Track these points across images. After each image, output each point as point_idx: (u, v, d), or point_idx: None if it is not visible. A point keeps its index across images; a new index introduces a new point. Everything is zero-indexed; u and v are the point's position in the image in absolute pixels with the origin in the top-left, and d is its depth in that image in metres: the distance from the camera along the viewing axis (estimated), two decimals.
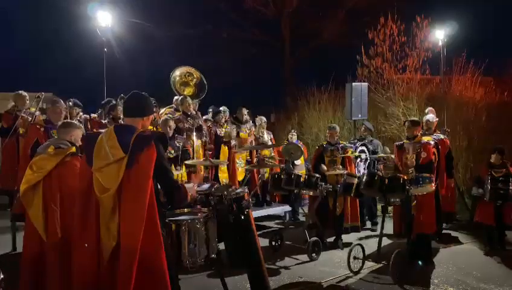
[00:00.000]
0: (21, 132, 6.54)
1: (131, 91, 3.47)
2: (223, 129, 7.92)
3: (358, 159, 7.64)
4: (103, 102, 8.02)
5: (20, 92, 6.95)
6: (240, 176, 7.84)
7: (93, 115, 7.87)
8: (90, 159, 3.13)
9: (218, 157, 7.60)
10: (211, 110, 8.58)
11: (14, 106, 6.95)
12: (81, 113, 7.30)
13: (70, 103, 6.91)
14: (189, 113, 7.27)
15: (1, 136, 7.08)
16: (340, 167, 6.55)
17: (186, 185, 3.43)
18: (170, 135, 6.28)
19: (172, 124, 6.17)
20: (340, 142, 7.14)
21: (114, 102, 7.34)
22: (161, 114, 7.47)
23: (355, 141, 8.15)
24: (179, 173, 6.16)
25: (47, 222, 3.86)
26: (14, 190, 6.21)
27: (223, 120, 8.10)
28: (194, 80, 8.01)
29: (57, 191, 3.90)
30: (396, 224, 6.27)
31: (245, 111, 8.36)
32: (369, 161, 7.62)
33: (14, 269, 3.99)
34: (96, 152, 3.12)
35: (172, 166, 6.19)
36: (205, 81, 7.99)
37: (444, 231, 7.02)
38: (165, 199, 3.33)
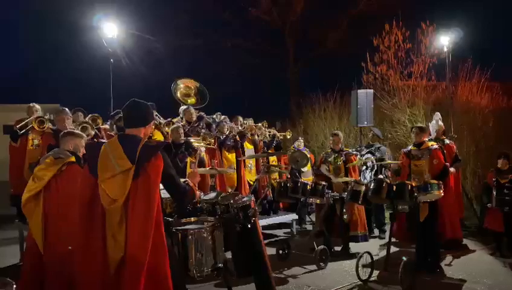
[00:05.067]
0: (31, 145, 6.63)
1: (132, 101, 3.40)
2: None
3: (364, 167, 7.59)
4: (112, 113, 8.06)
5: (32, 104, 7.07)
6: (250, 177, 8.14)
7: (103, 126, 7.90)
8: (95, 169, 3.05)
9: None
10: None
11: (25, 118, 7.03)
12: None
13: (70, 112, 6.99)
14: (191, 122, 7.81)
15: (12, 140, 7.12)
16: (342, 177, 6.53)
17: (190, 173, 3.47)
18: (182, 141, 6.60)
19: (182, 131, 6.80)
20: (345, 149, 7.12)
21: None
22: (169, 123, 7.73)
23: (362, 147, 8.11)
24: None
25: (46, 233, 3.84)
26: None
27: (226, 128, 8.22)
28: (194, 89, 8.76)
29: (56, 201, 3.89)
30: (399, 230, 6.28)
31: (241, 119, 8.88)
32: (376, 168, 7.56)
33: None
34: (100, 163, 3.05)
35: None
36: (204, 88, 8.72)
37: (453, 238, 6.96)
38: (171, 209, 3.32)
